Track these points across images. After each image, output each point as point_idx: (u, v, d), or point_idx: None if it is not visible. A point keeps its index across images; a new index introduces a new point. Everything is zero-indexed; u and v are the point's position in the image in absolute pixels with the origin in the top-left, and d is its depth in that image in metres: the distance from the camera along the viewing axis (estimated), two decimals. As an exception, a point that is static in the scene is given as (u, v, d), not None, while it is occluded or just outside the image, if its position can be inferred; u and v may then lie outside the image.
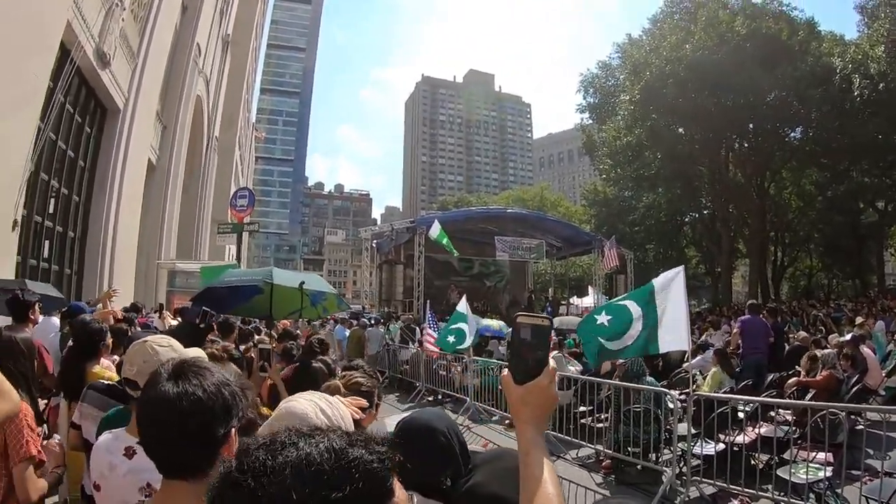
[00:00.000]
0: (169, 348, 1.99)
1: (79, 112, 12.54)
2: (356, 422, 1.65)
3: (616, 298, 7.23)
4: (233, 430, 1.33)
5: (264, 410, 3.29)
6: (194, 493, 1.23)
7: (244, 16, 33.45)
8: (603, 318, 6.37)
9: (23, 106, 8.80)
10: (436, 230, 16.82)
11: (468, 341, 10.59)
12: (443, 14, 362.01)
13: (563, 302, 25.69)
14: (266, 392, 4.50)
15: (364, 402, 1.99)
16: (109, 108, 13.81)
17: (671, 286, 6.08)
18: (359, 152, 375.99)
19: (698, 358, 10.04)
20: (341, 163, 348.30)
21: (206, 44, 22.72)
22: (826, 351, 8.63)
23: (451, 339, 10.82)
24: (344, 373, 2.81)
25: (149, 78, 15.28)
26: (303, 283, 6.82)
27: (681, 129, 30.11)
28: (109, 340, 3.86)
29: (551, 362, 1.16)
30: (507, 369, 1.18)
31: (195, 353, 2.10)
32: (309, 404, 1.48)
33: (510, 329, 13.62)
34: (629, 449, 6.73)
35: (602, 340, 6.32)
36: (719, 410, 6.08)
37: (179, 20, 18.74)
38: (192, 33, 20.06)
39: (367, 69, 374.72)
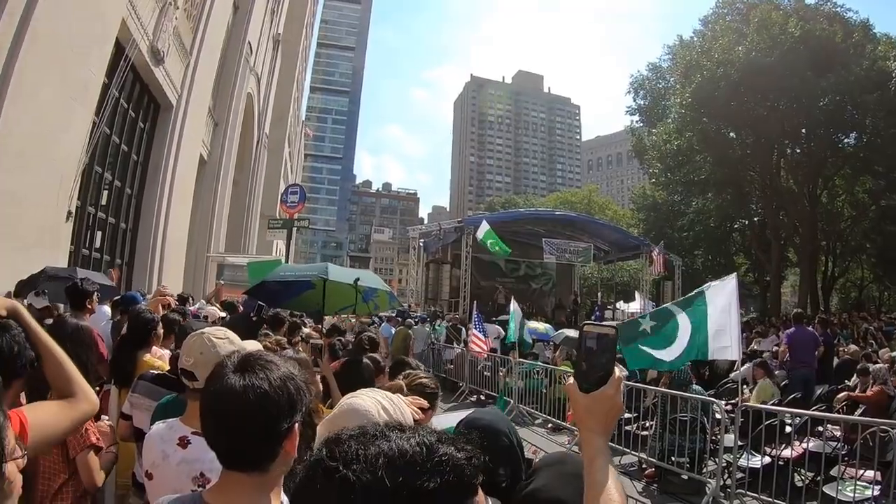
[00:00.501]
0: (226, 340, 2.00)
1: (133, 107, 12.94)
2: (415, 421, 1.63)
3: (662, 307, 7.03)
4: (296, 424, 1.33)
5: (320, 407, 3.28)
6: (253, 484, 1.28)
7: (295, 15, 34.08)
8: (646, 325, 6.26)
9: (79, 100, 9.11)
10: (483, 231, 16.69)
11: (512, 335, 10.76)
12: (492, 14, 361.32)
13: (608, 307, 25.24)
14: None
15: (424, 403, 2.00)
16: (162, 103, 14.22)
17: (724, 294, 5.97)
18: (405, 151, 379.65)
19: (745, 367, 9.72)
20: (388, 161, 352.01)
21: (258, 42, 23.19)
22: (878, 366, 8.26)
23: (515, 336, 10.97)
24: (408, 371, 2.86)
25: (201, 75, 15.67)
26: (357, 279, 6.87)
27: (732, 134, 29.44)
28: (161, 330, 3.92)
29: (617, 371, 1.18)
30: (572, 378, 1.20)
31: (252, 345, 2.10)
32: (371, 401, 1.49)
33: (556, 332, 13.48)
34: (673, 458, 6.60)
35: (643, 348, 6.17)
36: (767, 423, 5.89)
37: (231, 19, 19.16)
38: (243, 32, 20.51)
39: (416, 69, 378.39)
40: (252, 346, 2.07)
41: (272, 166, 32.07)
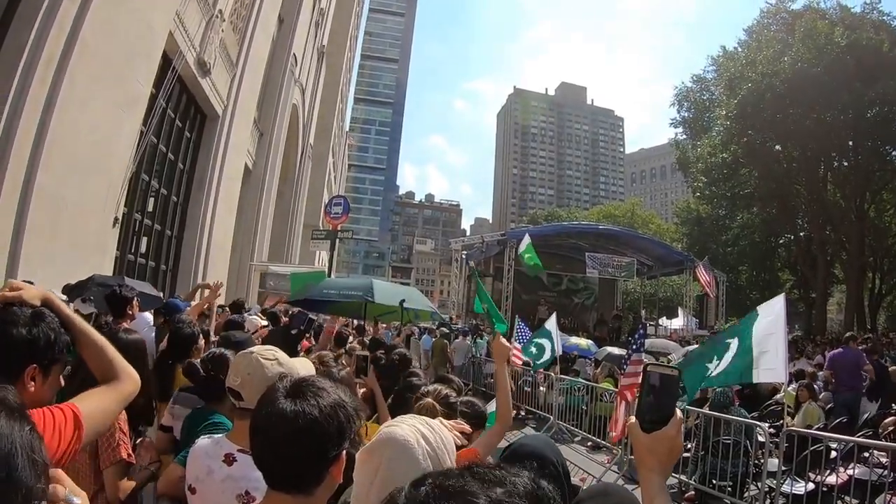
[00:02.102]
0: (275, 361, 2.00)
1: (179, 117, 13.31)
2: (459, 447, 1.60)
3: (721, 338, 6.76)
4: (343, 451, 1.37)
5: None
6: None
7: (339, 28, 34.68)
8: (713, 367, 6.04)
9: (127, 111, 9.40)
10: (524, 244, 16.49)
11: (545, 358, 10.53)
12: (534, 26, 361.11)
13: (651, 323, 24.65)
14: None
15: (467, 428, 1.95)
16: (209, 114, 14.58)
17: (771, 314, 5.85)
18: (448, 162, 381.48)
19: (790, 387, 9.32)
20: (430, 171, 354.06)
21: (302, 54, 23.64)
22: None
23: (533, 349, 10.77)
24: (436, 386, 2.73)
25: (247, 86, 16.04)
26: (403, 301, 6.72)
27: (777, 146, 28.93)
28: (202, 342, 3.91)
29: (678, 413, 1.19)
30: (633, 416, 1.22)
31: (302, 364, 2.14)
32: (410, 430, 1.45)
33: (598, 349, 13.17)
34: (714, 481, 6.38)
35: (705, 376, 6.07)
36: (813, 448, 5.60)
37: (276, 32, 19.58)
38: (288, 44, 20.94)
39: (459, 80, 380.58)
40: (301, 365, 2.11)
41: (316, 176, 32.57)
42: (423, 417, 1.61)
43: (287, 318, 7.97)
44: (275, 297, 12.23)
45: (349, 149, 64.86)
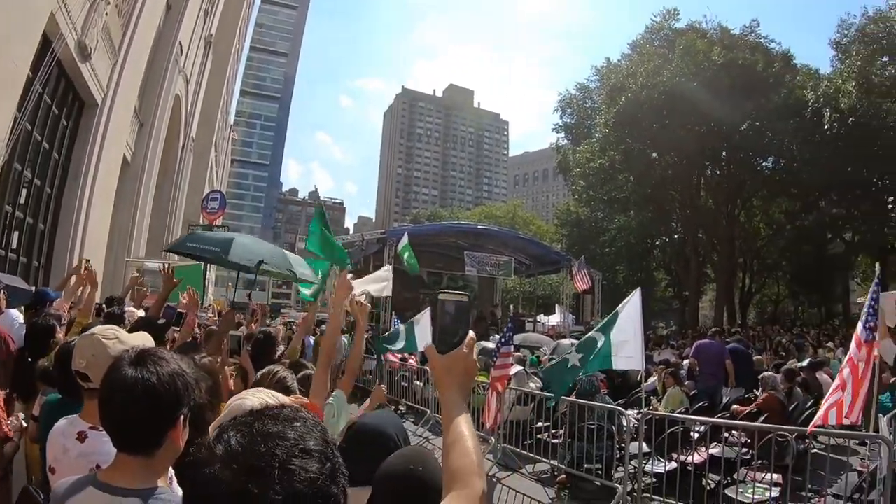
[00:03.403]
0: (116, 340, 2.05)
1: (56, 104, 12.36)
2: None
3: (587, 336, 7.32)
4: (181, 416, 1.48)
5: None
6: (139, 465, 1.43)
7: (229, 17, 33.28)
8: (575, 360, 6.48)
9: (2, 92, 8.71)
10: (402, 244, 16.77)
11: (400, 345, 10.53)
12: (427, 27, 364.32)
13: (529, 319, 25.87)
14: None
15: (306, 401, 2.13)
16: (87, 101, 13.64)
17: (629, 307, 6.33)
18: (333, 159, 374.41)
19: (652, 379, 10.30)
20: (315, 169, 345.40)
21: (189, 43, 22.58)
22: (768, 373, 8.77)
23: (401, 343, 10.90)
24: (273, 367, 2.92)
25: (129, 74, 15.14)
26: (261, 262, 6.16)
27: (654, 154, 30.71)
28: (60, 335, 3.83)
29: (471, 333, 1.29)
30: (431, 342, 1.33)
31: (142, 339, 2.19)
32: (258, 401, 1.60)
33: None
34: (585, 465, 6.88)
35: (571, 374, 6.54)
36: (671, 430, 6.30)
37: (163, 18, 18.61)
38: (174, 32, 19.93)
39: (347, 77, 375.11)
40: (142, 340, 2.17)
41: (197, 170, 31.14)
42: (271, 391, 1.86)
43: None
44: (154, 295, 11.66)
45: (233, 143, 62.22)
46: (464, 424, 1.20)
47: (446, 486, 1.11)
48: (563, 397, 7.47)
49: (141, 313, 7.48)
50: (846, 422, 4.33)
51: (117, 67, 14.40)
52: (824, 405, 4.31)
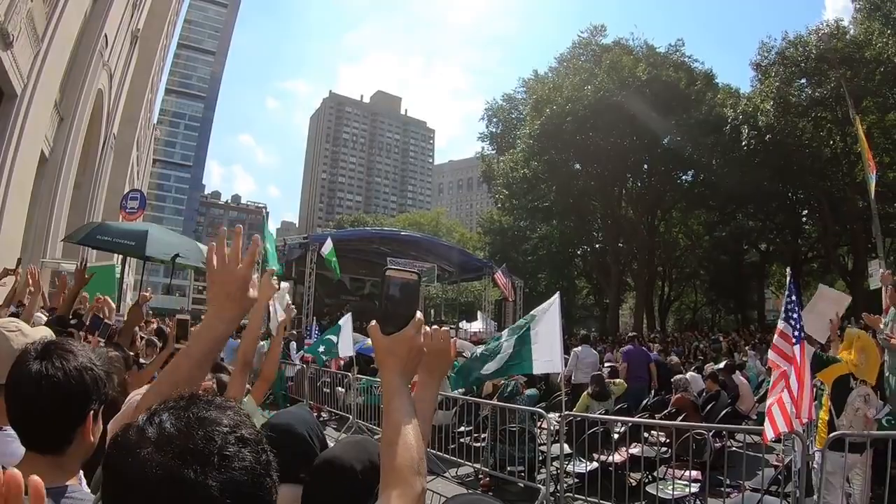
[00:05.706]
0: (18, 332, 1.94)
1: (-28, 93, 11.58)
2: None
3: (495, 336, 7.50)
4: (91, 411, 1.40)
5: None
6: (48, 464, 1.32)
7: (158, 11, 31.95)
8: (488, 363, 6.56)
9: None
10: (327, 248, 16.60)
11: (331, 352, 10.77)
12: (356, 32, 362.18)
13: (452, 326, 26.16)
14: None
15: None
16: (6, 92, 12.80)
17: (547, 312, 6.42)
18: (256, 162, 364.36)
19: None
20: (237, 171, 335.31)
21: (115, 36, 21.56)
22: (678, 376, 9.16)
23: (321, 348, 10.95)
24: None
25: (51, 65, 14.31)
26: (177, 255, 6.34)
27: (577, 165, 31.67)
28: None
29: (418, 314, 1.21)
30: (374, 320, 1.22)
31: (43, 332, 2.07)
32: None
33: None
34: (509, 468, 7.03)
35: (476, 374, 6.68)
36: (590, 431, 6.46)
37: (90, 8, 17.71)
38: (100, 23, 18.97)
39: (273, 79, 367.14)
40: (42, 333, 2.02)
41: (118, 169, 29.55)
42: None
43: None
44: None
45: (156, 142, 59.65)
46: (404, 414, 1.13)
47: (384, 483, 1.06)
48: (484, 401, 7.81)
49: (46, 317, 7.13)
50: (803, 423, 4.50)
51: (39, 57, 13.60)
52: (776, 417, 4.23)
